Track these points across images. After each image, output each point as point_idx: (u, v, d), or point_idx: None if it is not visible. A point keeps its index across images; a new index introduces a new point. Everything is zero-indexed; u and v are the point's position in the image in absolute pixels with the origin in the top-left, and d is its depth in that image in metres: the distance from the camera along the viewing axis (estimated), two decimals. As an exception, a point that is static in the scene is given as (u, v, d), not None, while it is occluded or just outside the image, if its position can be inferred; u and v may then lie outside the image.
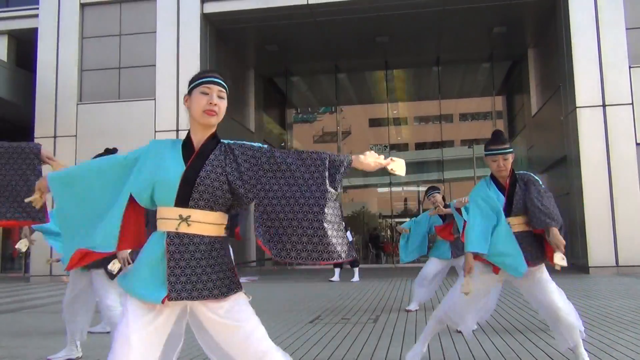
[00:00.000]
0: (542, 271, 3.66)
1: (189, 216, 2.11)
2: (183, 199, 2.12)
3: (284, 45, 17.17)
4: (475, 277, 3.55)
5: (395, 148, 23.22)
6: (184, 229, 2.11)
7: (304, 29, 15.74)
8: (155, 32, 14.19)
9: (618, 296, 7.73)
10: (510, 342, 4.66)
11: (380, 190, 25.13)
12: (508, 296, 7.96)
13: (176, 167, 2.15)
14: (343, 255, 2.07)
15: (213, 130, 2.31)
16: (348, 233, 11.42)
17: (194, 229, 2.11)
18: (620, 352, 4.09)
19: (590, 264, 12.01)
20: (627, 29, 12.42)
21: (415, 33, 16.53)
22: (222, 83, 2.27)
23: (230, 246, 2.27)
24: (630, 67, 12.27)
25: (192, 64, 13.99)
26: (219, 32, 15.35)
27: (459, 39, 17.14)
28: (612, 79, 12.33)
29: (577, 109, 12.47)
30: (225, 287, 2.10)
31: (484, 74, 21.53)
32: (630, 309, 6.33)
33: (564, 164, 13.99)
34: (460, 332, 5.10)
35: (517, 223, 3.55)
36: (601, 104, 12.34)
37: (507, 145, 3.61)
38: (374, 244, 22.37)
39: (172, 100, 13.64)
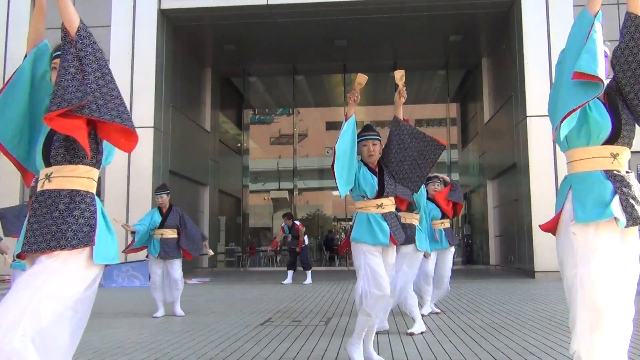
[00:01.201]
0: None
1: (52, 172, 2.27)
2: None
3: (243, 44, 17.04)
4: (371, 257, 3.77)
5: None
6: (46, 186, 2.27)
7: (262, 30, 15.66)
8: (109, 26, 13.87)
9: (562, 300, 7.98)
10: (458, 344, 4.74)
11: (335, 193, 25.19)
12: (456, 300, 8.11)
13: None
14: None
15: None
16: (306, 237, 11.38)
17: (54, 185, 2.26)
18: (562, 355, 4.22)
19: (536, 269, 12.38)
20: (575, 42, 12.85)
21: (374, 38, 16.71)
22: None
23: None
24: (578, 80, 12.71)
25: (148, 61, 13.75)
26: (176, 29, 15.12)
27: (415, 46, 17.42)
28: (560, 90, 12.74)
29: (527, 118, 12.85)
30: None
31: (440, 81, 21.94)
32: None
33: (513, 171, 14.38)
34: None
35: (389, 204, 3.92)
36: (550, 114, 12.74)
37: (375, 133, 4.15)
38: (328, 246, 22.43)
39: (127, 97, 13.34)
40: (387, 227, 3.78)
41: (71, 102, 2.13)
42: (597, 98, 2.40)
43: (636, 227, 2.40)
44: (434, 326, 5.77)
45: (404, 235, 4.04)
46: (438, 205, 6.59)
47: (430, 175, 6.37)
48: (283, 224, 12.72)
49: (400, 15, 14.71)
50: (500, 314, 6.65)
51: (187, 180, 16.41)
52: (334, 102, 23.93)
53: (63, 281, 2.14)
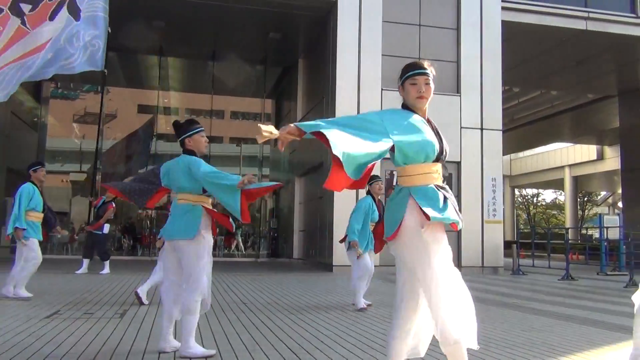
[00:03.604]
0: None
1: None
2: None
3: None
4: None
5: (164, 138, 22.51)
6: None
7: (72, -3, 14.33)
8: None
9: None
10: (256, 335, 4.84)
11: (142, 179, 24.16)
12: (258, 292, 8.28)
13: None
14: None
15: None
16: (107, 226, 10.52)
17: None
18: (356, 339, 4.54)
19: (334, 263, 13.18)
20: (382, 55, 13.96)
21: (194, 23, 16.30)
22: None
23: None
24: (382, 89, 13.80)
25: None
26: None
27: (235, 38, 17.39)
28: (366, 98, 13.72)
29: (336, 121, 13.59)
30: None
31: (257, 76, 22.21)
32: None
33: (320, 170, 15.12)
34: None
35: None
36: (356, 118, 13.64)
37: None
38: (131, 234, 21.39)
39: None
40: None
41: None
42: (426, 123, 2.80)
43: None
44: (234, 318, 5.83)
45: None
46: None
47: (373, 174, 6.44)
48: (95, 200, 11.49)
49: (220, 4, 14.56)
50: (299, 305, 6.96)
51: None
52: (147, 84, 22.84)
53: None
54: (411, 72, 2.81)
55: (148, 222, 22.60)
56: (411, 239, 2.69)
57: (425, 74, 2.80)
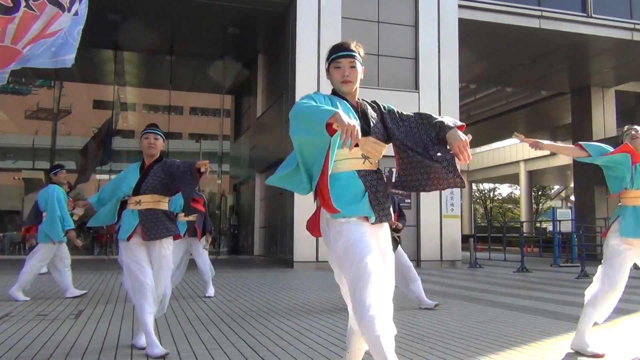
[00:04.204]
0: None
1: None
2: None
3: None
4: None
5: (120, 134, 22.06)
6: None
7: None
8: None
9: (317, 289, 8.64)
10: (214, 332, 4.81)
11: (98, 177, 23.62)
12: (218, 288, 8.22)
13: None
14: None
15: None
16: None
17: None
18: (316, 335, 4.56)
19: (294, 259, 13.19)
20: (342, 51, 13.99)
21: (151, 17, 15.99)
22: None
23: None
24: (341, 86, 13.83)
25: None
26: None
27: (194, 32, 17.15)
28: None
29: (296, 117, 13.58)
30: None
31: (216, 72, 21.96)
32: (327, 300, 7.12)
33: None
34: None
35: None
36: (316, 115, 13.65)
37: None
38: (87, 233, 20.88)
39: None
40: None
41: None
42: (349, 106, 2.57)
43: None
44: (202, 314, 5.77)
45: None
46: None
47: None
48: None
49: (179, -2, 14.36)
50: (259, 302, 6.94)
51: None
52: (102, 80, 22.30)
53: None
54: (335, 54, 2.59)
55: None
56: (324, 233, 2.56)
57: (351, 55, 2.57)
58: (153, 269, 4.16)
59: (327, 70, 2.65)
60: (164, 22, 16.44)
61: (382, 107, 2.70)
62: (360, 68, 2.62)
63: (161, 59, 20.61)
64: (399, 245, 6.47)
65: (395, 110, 2.71)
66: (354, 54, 2.59)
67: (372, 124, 2.58)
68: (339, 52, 2.59)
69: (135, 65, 22.04)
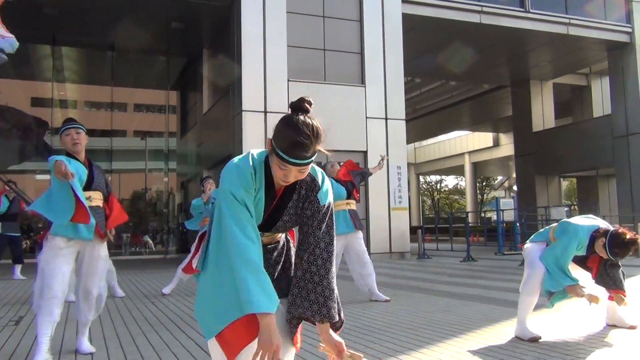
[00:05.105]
0: None
1: None
2: None
3: None
4: None
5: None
6: None
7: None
8: None
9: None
10: (135, 332, 4.73)
11: (38, 177, 22.77)
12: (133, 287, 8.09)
13: None
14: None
15: None
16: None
17: None
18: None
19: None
20: (288, 46, 13.97)
21: (90, 12, 15.50)
22: None
23: None
24: (288, 80, 13.82)
25: None
26: None
27: (136, 27, 16.70)
28: (272, 89, 13.68)
29: (243, 112, 13.47)
30: None
31: (160, 67, 21.52)
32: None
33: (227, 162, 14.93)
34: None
35: None
36: (263, 110, 13.59)
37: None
38: (27, 235, 20.12)
39: None
40: None
41: None
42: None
43: None
44: (151, 315, 5.65)
45: None
46: (342, 184, 6.46)
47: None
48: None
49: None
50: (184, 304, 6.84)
51: None
52: (40, 76, 21.49)
53: None
54: (286, 158, 1.82)
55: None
56: None
57: (307, 164, 1.84)
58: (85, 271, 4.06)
59: (270, 155, 1.95)
60: (104, 16, 15.95)
61: (318, 199, 2.01)
62: (309, 169, 1.95)
63: (102, 55, 20.02)
64: (360, 232, 6.62)
65: (321, 217, 2.00)
66: (310, 160, 1.86)
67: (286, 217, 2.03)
68: (292, 159, 1.82)
69: (74, 61, 21.34)
